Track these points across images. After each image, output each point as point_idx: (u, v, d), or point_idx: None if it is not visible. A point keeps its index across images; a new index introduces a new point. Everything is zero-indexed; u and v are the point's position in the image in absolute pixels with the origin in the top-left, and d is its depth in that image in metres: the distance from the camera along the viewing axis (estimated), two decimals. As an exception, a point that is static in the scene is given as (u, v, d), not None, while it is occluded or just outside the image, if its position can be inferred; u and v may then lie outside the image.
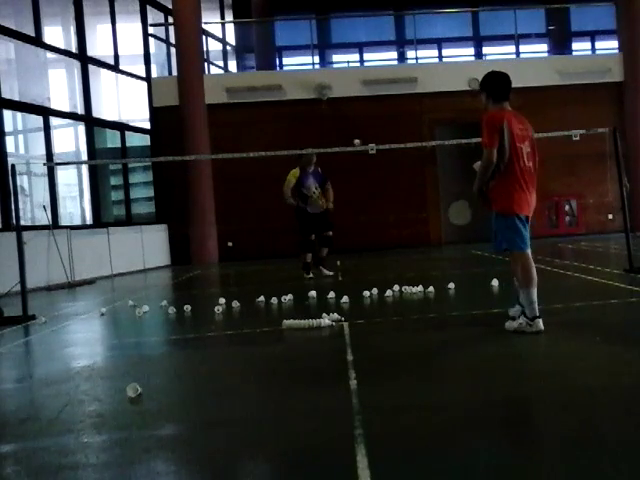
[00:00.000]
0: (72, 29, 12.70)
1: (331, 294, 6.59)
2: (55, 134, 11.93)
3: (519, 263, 4.31)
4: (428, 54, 17.74)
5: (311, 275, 8.85)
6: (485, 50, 18.30)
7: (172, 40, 14.48)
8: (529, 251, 4.32)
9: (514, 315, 4.45)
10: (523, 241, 4.29)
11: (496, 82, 4.38)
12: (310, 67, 16.16)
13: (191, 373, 3.96)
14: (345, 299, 6.22)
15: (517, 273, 4.35)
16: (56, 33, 13.16)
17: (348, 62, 18.40)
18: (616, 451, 2.27)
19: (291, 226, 9.03)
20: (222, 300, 6.51)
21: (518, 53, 16.24)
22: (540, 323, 4.18)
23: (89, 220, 12.74)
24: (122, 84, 14.07)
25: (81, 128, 12.74)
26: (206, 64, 15.03)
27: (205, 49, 14.89)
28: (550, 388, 3.05)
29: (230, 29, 17.39)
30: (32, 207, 11.48)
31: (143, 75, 14.53)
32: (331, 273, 9.07)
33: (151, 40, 14.86)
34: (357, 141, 7.72)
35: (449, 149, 14.10)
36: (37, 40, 11.44)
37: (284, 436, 2.62)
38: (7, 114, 10.80)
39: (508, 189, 4.25)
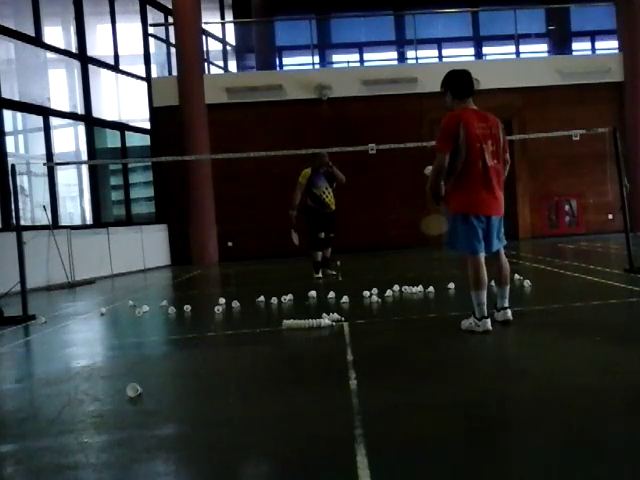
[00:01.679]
0: (72, 29, 12.70)
1: (331, 294, 6.60)
2: (55, 134, 11.93)
3: (468, 265, 4.34)
4: (428, 54, 17.73)
5: (320, 275, 8.83)
6: (485, 50, 18.30)
7: (172, 40, 14.47)
8: (480, 254, 4.30)
9: (499, 318, 4.50)
10: (473, 244, 4.28)
11: (457, 79, 4.39)
12: (310, 67, 16.15)
13: (191, 373, 3.96)
14: (345, 299, 6.22)
15: (468, 275, 4.36)
16: (56, 33, 13.16)
17: (348, 62, 18.39)
18: (616, 451, 2.27)
19: (291, 226, 9.02)
20: (222, 300, 6.51)
21: (518, 53, 16.23)
22: (488, 323, 4.26)
23: (89, 220, 12.74)
24: (122, 84, 14.07)
25: (81, 128, 12.74)
26: (206, 64, 15.03)
27: (205, 49, 14.88)
28: (550, 388, 3.05)
29: (230, 29, 17.39)
30: (32, 207, 11.48)
31: (143, 75, 14.53)
32: (334, 273, 9.11)
33: (151, 40, 14.86)
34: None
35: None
36: (37, 40, 11.44)
37: (284, 436, 2.62)
38: (7, 114, 10.80)
39: (464, 190, 4.26)
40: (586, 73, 14.84)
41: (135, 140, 14.56)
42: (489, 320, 4.28)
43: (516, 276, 6.85)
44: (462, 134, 4.19)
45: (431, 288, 6.56)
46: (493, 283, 6.59)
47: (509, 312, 4.46)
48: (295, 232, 8.97)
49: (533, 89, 14.71)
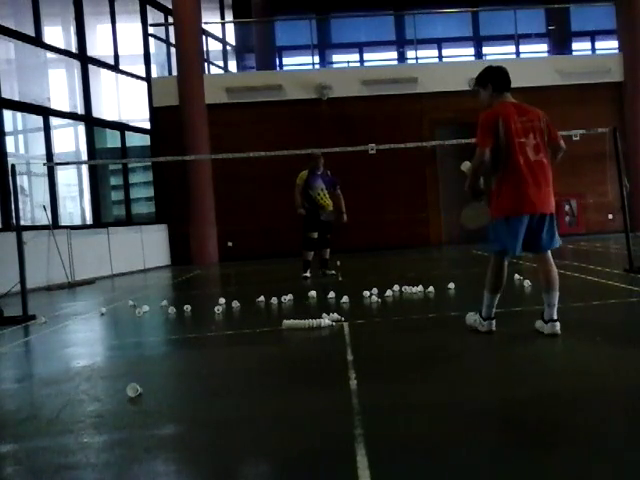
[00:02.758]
0: (72, 29, 12.70)
1: (331, 294, 6.60)
2: (55, 134, 11.93)
3: (490, 265, 4.26)
4: (428, 54, 17.74)
5: (308, 274, 8.84)
6: (485, 50, 18.31)
7: (172, 40, 14.47)
8: (505, 258, 4.19)
9: (542, 329, 4.17)
10: (504, 244, 4.13)
11: (496, 73, 4.29)
12: (310, 67, 16.16)
13: (191, 373, 3.96)
14: (345, 299, 6.22)
15: (487, 274, 4.27)
16: (56, 33, 13.16)
17: (348, 62, 18.40)
18: (616, 451, 2.27)
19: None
20: (222, 300, 6.51)
21: (518, 53, 16.24)
22: (493, 324, 4.26)
23: (89, 220, 12.73)
24: (122, 84, 14.07)
25: (81, 128, 12.74)
26: (206, 64, 15.03)
27: (205, 49, 14.89)
28: (550, 388, 3.05)
29: (230, 29, 17.40)
30: (32, 207, 11.48)
31: (143, 75, 14.53)
32: (334, 273, 9.13)
33: (151, 40, 14.86)
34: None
35: (449, 149, 14.09)
36: (37, 40, 11.44)
37: (284, 436, 2.62)
38: (7, 114, 10.80)
39: (508, 188, 4.07)
40: (586, 73, 14.84)
41: (135, 140, 14.56)
42: (494, 322, 4.28)
43: (516, 276, 6.86)
44: (501, 130, 4.05)
45: (431, 288, 6.56)
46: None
47: (557, 325, 4.06)
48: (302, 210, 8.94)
49: (533, 89, 14.64)
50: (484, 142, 4.08)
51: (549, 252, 4.20)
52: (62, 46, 12.58)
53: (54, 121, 11.89)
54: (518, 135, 4.07)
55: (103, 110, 13.27)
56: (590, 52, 18.07)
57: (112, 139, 13.77)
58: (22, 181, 11.29)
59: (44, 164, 10.18)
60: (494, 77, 4.27)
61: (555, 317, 4.08)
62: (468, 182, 4.23)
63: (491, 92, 4.27)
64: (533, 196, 4.04)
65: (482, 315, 4.31)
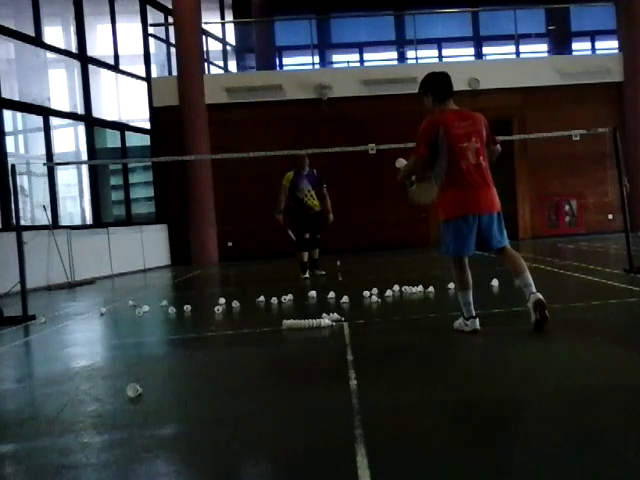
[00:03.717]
0: (72, 29, 12.69)
1: (331, 294, 6.59)
2: (55, 134, 11.93)
3: (452, 267, 4.42)
4: (428, 54, 17.73)
5: (307, 275, 8.87)
6: (485, 50, 18.29)
7: (172, 40, 14.47)
8: (464, 257, 4.36)
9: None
10: (457, 246, 4.29)
11: (437, 82, 4.37)
12: (310, 67, 16.15)
13: (191, 373, 3.96)
14: (345, 299, 6.22)
15: (453, 276, 4.45)
16: (56, 33, 13.16)
17: (348, 62, 18.38)
18: (615, 452, 2.27)
19: (291, 226, 9.06)
20: (222, 300, 6.51)
21: (518, 53, 16.23)
22: (476, 322, 4.29)
23: (89, 220, 12.73)
24: (122, 84, 14.07)
25: (81, 128, 12.74)
26: (206, 64, 15.02)
27: (205, 49, 14.88)
28: (550, 388, 3.05)
29: (230, 29, 17.39)
30: (32, 207, 11.49)
31: (143, 75, 14.53)
32: (323, 273, 9.15)
33: (151, 40, 14.86)
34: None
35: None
36: (37, 40, 11.43)
37: (284, 436, 2.62)
38: (7, 114, 10.80)
39: (452, 192, 4.27)
40: (586, 73, 14.83)
41: (135, 140, 14.56)
42: (477, 320, 4.31)
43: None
44: (442, 137, 4.21)
45: (431, 288, 6.56)
46: (495, 282, 6.61)
47: (539, 294, 4.16)
48: (290, 231, 9.04)
49: (533, 89, 14.70)
50: (420, 152, 4.34)
51: (507, 246, 4.39)
52: (62, 46, 12.58)
53: (54, 121, 11.89)
54: (460, 140, 4.23)
55: (103, 110, 13.26)
56: (590, 52, 18.06)
57: (112, 139, 13.77)
58: (22, 181, 11.29)
59: (44, 164, 10.18)
60: (434, 86, 4.38)
61: (534, 290, 4.20)
62: (399, 178, 4.61)
63: (432, 100, 4.40)
64: (477, 198, 4.23)
65: (464, 315, 4.37)
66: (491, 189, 4.31)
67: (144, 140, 14.66)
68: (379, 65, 17.73)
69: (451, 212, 4.29)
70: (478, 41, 18.30)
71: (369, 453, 2.30)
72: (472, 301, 4.36)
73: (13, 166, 6.99)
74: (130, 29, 14.35)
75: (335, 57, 19.04)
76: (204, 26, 14.85)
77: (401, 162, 4.75)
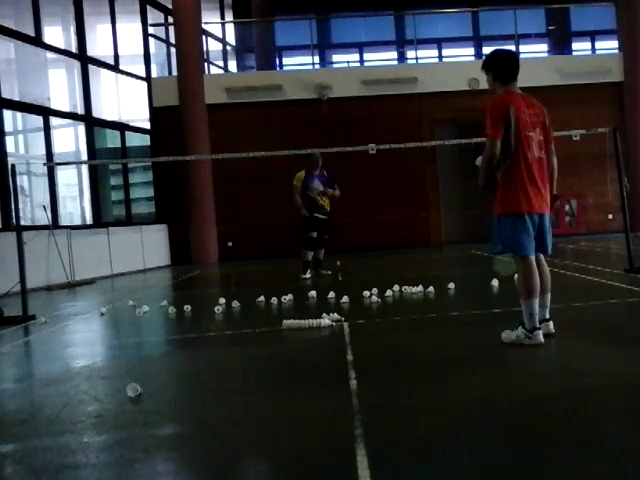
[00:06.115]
0: (72, 29, 12.69)
1: (331, 294, 6.59)
2: (55, 134, 11.92)
3: (519, 269, 3.92)
4: (428, 54, 17.74)
5: (308, 275, 8.85)
6: (485, 50, 18.25)
7: (172, 40, 14.47)
8: (532, 257, 3.89)
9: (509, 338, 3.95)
10: (524, 244, 3.83)
11: (502, 61, 3.95)
12: (310, 67, 16.15)
13: (191, 373, 3.96)
14: (345, 299, 6.22)
15: (517, 280, 3.94)
16: (56, 33, 13.15)
17: (348, 62, 18.39)
18: (615, 452, 2.27)
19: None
20: (222, 300, 6.51)
21: (518, 53, 16.20)
22: (540, 335, 3.80)
23: (89, 220, 12.73)
24: (122, 84, 14.07)
25: (81, 128, 12.73)
26: (206, 64, 15.02)
27: (205, 49, 14.88)
28: (550, 388, 3.05)
29: (230, 29, 17.39)
30: (32, 207, 11.48)
31: (143, 75, 14.53)
32: (329, 272, 9.13)
33: (151, 40, 14.86)
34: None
35: (449, 149, 14.10)
36: (37, 40, 11.43)
37: (284, 436, 2.62)
38: (7, 114, 10.80)
39: (515, 184, 3.80)
40: (586, 73, 14.84)
41: (135, 140, 14.56)
42: (541, 332, 3.83)
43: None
44: (512, 121, 3.74)
45: (431, 288, 6.55)
46: (495, 282, 6.61)
47: (551, 324, 3.99)
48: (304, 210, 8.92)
49: (533, 89, 14.56)
50: (495, 133, 3.76)
51: (542, 255, 4.10)
52: (62, 46, 12.57)
53: (54, 121, 11.88)
54: (527, 128, 3.80)
55: (103, 110, 13.26)
56: (590, 52, 18.07)
57: (112, 139, 13.77)
58: (22, 181, 11.28)
59: (44, 164, 10.17)
60: (496, 65, 3.96)
61: (548, 316, 4.00)
62: (481, 177, 3.91)
63: (493, 80, 3.98)
64: (541, 195, 3.86)
65: (526, 327, 3.83)
66: (547, 188, 3.92)
67: (144, 140, 14.66)
68: (379, 65, 17.73)
69: (517, 206, 3.80)
70: (478, 41, 18.31)
71: (369, 453, 2.29)
72: (537, 311, 3.85)
73: (13, 166, 6.99)
74: (130, 29, 14.35)
75: (335, 57, 19.04)
76: (204, 26, 14.86)
77: (480, 159, 4.10)
